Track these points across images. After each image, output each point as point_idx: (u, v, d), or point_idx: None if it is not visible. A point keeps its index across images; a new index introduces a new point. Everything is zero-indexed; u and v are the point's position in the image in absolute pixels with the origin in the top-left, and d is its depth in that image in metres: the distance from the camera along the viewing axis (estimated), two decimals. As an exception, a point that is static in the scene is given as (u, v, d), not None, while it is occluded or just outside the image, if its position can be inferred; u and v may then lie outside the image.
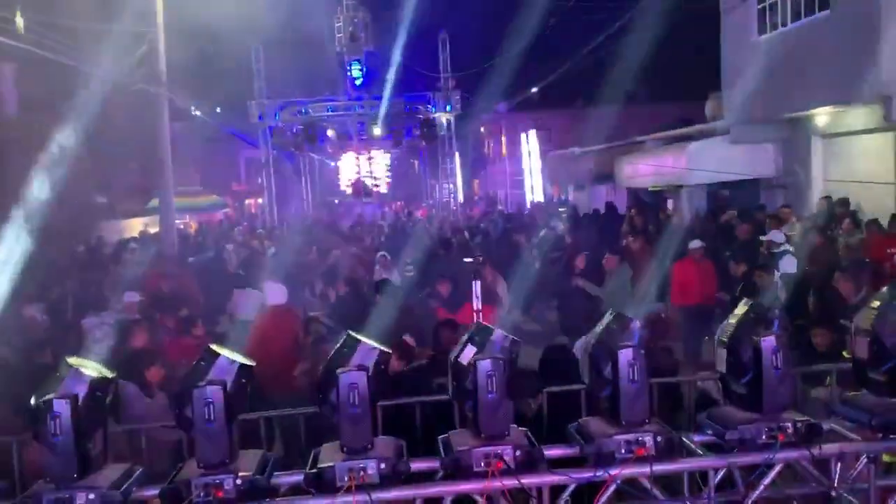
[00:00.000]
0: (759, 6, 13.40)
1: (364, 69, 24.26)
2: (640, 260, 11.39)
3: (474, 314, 7.62)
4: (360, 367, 3.14)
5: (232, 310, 10.07)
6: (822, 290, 7.06)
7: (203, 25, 18.66)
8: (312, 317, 8.23)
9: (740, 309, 3.41)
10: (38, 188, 10.26)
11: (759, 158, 14.54)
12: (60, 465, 2.96)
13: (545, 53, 24.19)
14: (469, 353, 3.25)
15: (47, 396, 2.96)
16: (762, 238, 10.28)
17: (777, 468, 3.31)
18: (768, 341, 3.23)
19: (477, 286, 7.69)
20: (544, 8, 21.27)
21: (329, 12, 23.07)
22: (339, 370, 3.13)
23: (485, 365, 3.15)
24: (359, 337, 3.33)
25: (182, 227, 21.15)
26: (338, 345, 3.34)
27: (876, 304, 3.28)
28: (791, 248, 9.63)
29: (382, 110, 24.04)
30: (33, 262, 10.32)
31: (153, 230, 19.58)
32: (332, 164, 31.23)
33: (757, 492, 3.30)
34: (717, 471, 3.33)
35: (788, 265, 9.25)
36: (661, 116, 23.25)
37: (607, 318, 3.41)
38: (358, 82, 24.08)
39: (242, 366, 3.26)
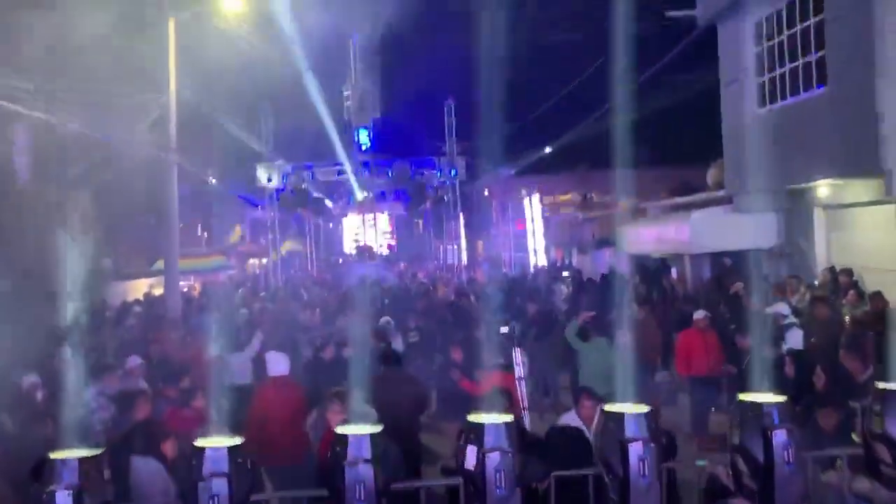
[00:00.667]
0: (758, 80, 13.67)
1: (371, 135, 24.73)
2: (645, 329, 11.38)
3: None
4: (366, 461, 3.10)
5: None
6: (830, 367, 7.00)
7: (213, 91, 19.13)
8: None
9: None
10: (47, 253, 10.31)
11: (761, 228, 14.59)
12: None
13: (550, 118, 24.70)
14: (472, 454, 3.20)
15: (49, 488, 2.93)
16: (767, 310, 10.25)
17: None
18: (780, 435, 3.20)
19: (517, 354, 7.53)
20: (550, 74, 21.80)
21: (339, 79, 23.63)
22: (345, 463, 3.10)
23: (494, 458, 3.12)
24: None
25: (186, 289, 21.16)
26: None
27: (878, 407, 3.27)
28: (797, 321, 9.59)
29: (388, 175, 24.38)
30: (35, 329, 10.32)
31: (157, 291, 19.59)
32: (330, 225, 31.46)
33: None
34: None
35: (795, 339, 9.21)
36: (664, 180, 23.51)
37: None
38: (364, 147, 24.52)
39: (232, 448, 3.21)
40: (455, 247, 34.38)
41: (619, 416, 3.35)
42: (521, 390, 6.95)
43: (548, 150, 25.35)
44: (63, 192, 11.51)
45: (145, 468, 5.46)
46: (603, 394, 5.59)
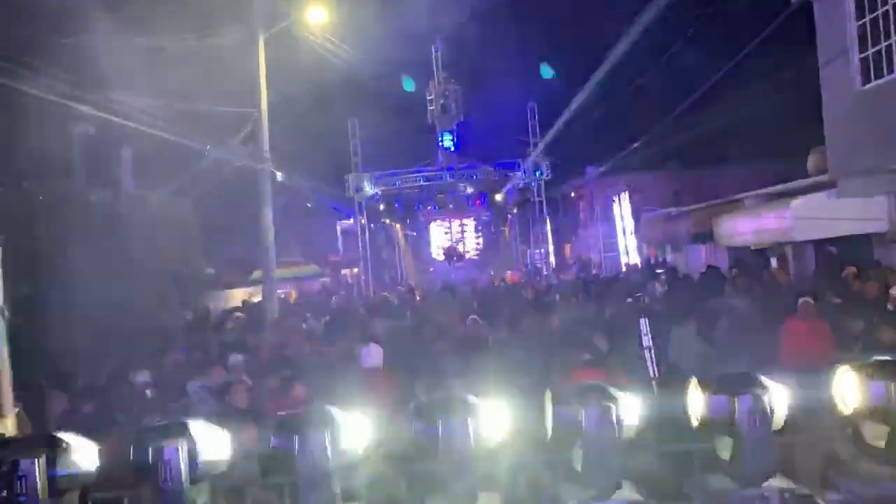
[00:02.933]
0: (861, 56, 12.95)
1: (455, 139, 24.85)
2: (746, 321, 10.88)
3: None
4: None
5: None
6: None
7: (303, 104, 19.71)
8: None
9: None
10: (154, 259, 10.85)
11: (870, 212, 13.78)
12: (169, 512, 2.99)
13: (637, 115, 24.14)
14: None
15: (159, 443, 3.02)
16: (892, 292, 9.60)
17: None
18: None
19: (644, 324, 7.27)
20: (635, 68, 21.32)
21: (422, 85, 23.88)
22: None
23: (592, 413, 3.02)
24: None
25: (283, 296, 21.80)
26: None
27: None
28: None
29: (473, 178, 24.40)
30: (145, 330, 10.85)
31: (256, 299, 20.26)
32: (414, 233, 31.72)
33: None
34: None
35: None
36: (760, 175, 22.56)
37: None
38: (449, 147, 24.60)
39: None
40: (542, 251, 34.05)
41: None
42: (651, 358, 6.73)
43: (636, 146, 24.74)
44: (166, 200, 12.07)
45: None
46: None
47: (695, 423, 3.13)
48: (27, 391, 7.43)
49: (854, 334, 8.99)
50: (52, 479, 2.95)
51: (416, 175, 25.31)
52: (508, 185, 25.40)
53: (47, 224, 9.31)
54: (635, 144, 21.76)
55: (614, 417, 3.03)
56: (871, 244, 14.46)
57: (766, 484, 2.99)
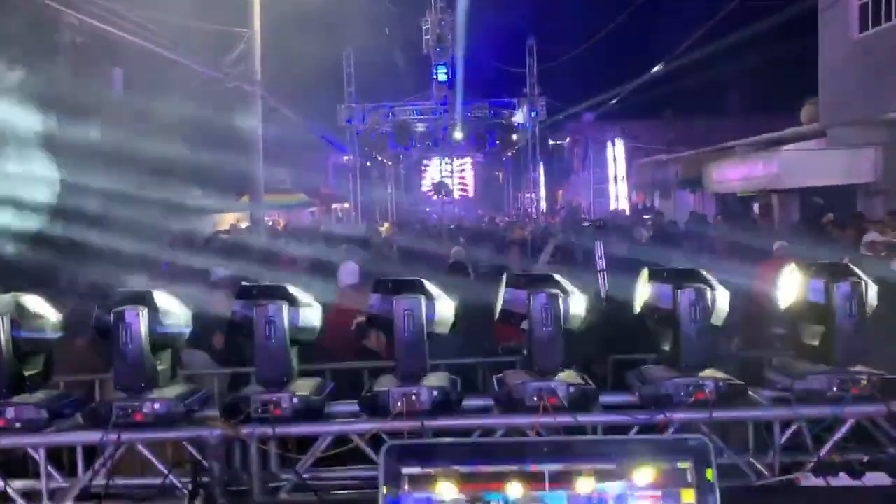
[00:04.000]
0: (860, 2, 12.82)
1: (450, 72, 24.53)
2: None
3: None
4: (417, 294, 3.17)
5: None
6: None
7: (296, 29, 19.37)
8: None
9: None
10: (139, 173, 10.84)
11: (858, 163, 13.84)
12: (128, 372, 3.11)
13: (633, 61, 23.87)
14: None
15: (119, 308, 3.12)
16: (864, 238, 9.70)
17: (848, 424, 3.13)
18: (843, 287, 3.07)
19: (599, 247, 7.52)
20: (633, 15, 21.03)
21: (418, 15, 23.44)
22: (395, 297, 3.18)
23: (540, 298, 3.13)
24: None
25: (270, 222, 21.85)
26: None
27: None
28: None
29: (468, 115, 24.17)
30: (134, 240, 10.92)
31: (244, 224, 20.30)
32: (405, 170, 31.51)
33: (826, 449, 3.12)
34: (784, 426, 3.18)
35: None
36: (753, 126, 22.50)
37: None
38: (444, 81, 24.26)
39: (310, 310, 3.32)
40: (533, 195, 34.06)
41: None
42: (604, 279, 6.98)
43: (630, 92, 24.53)
44: (150, 108, 12.00)
45: (189, 359, 5.76)
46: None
47: (637, 309, 3.26)
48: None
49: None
50: (151, 332, 3.12)
51: (409, 108, 25.06)
52: (502, 124, 25.18)
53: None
54: (630, 87, 21.57)
55: (560, 305, 3.15)
56: (855, 196, 14.57)
57: (701, 374, 3.13)
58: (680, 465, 2.02)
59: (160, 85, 15.98)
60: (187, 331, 3.43)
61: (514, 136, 25.29)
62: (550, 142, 30.60)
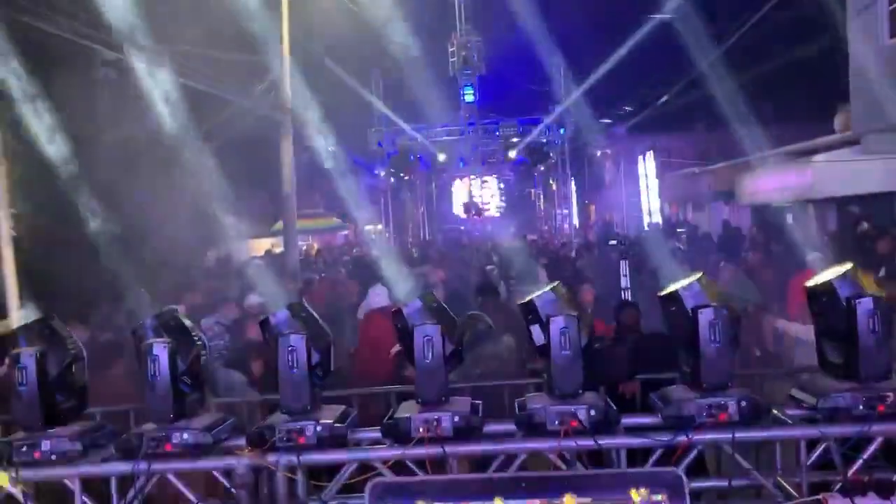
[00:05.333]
0: (891, 7, 12.62)
1: (476, 94, 24.68)
2: (759, 275, 10.86)
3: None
4: (438, 322, 3.21)
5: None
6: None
7: (325, 55, 19.70)
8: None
9: (836, 269, 3.21)
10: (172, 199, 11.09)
11: (893, 170, 13.54)
12: (158, 403, 3.20)
13: (663, 73, 23.75)
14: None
15: (147, 340, 3.22)
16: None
17: (876, 442, 3.08)
18: (865, 303, 3.04)
19: (624, 266, 7.51)
20: (661, 28, 20.95)
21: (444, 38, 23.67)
22: (415, 325, 3.22)
23: (558, 322, 3.15)
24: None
25: (304, 247, 22.12)
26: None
27: None
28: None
29: (496, 135, 24.27)
30: (164, 268, 11.15)
31: (278, 250, 20.57)
32: (436, 190, 31.64)
33: (853, 468, 3.07)
34: (812, 445, 3.14)
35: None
36: (785, 136, 22.17)
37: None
38: (471, 101, 24.41)
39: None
40: (565, 210, 33.91)
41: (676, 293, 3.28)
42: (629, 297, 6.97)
43: (661, 105, 24.38)
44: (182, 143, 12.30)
45: (226, 378, 5.86)
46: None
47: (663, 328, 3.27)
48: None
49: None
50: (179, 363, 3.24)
51: (438, 130, 25.25)
52: (532, 142, 25.20)
53: (69, 159, 9.56)
54: (661, 100, 21.43)
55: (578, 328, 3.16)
56: (893, 203, 14.24)
57: (724, 394, 3.11)
58: (655, 497, 2.05)
59: (195, 115, 16.41)
60: (216, 359, 3.53)
61: (544, 153, 25.29)
62: (581, 157, 30.48)
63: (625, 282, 7.16)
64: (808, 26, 18.86)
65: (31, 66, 9.29)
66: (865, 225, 11.56)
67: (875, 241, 10.58)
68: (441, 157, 25.48)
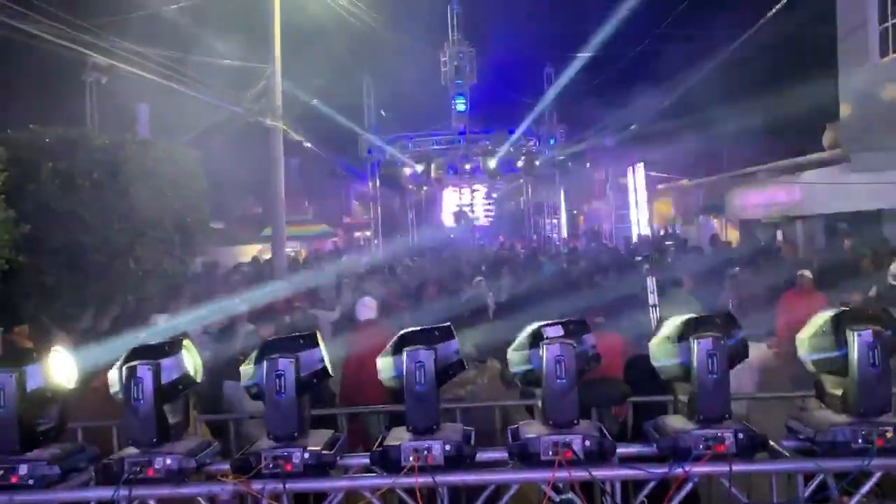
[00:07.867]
0: (881, 27, 12.72)
1: (468, 103, 24.69)
2: (745, 290, 10.86)
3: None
4: (428, 347, 3.13)
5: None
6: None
7: (316, 62, 19.63)
8: None
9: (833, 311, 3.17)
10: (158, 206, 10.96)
11: (883, 188, 13.62)
12: (141, 428, 3.10)
13: (654, 86, 23.83)
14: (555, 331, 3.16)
15: (132, 363, 3.12)
16: (892, 269, 9.48)
17: (875, 477, 3.03)
18: (865, 335, 2.99)
19: (651, 282, 7.39)
20: (652, 41, 21.05)
21: (436, 47, 23.66)
22: (406, 348, 3.15)
23: (553, 349, 3.08)
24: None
25: (292, 253, 21.99)
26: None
27: None
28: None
29: (486, 144, 24.28)
30: (148, 276, 11.01)
31: (266, 255, 20.45)
32: (426, 198, 31.64)
33: (853, 502, 3.02)
34: (808, 478, 3.09)
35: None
36: (774, 150, 22.31)
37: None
38: (462, 111, 24.42)
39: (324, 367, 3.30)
40: (555, 221, 33.96)
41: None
42: (655, 316, 6.85)
43: (651, 118, 24.44)
44: (172, 147, 12.17)
45: (235, 392, 5.76)
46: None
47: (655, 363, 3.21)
48: (35, 327, 7.59)
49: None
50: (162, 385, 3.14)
51: (429, 139, 25.21)
52: (522, 153, 25.20)
53: (52, 167, 9.41)
54: (651, 112, 21.51)
55: (574, 355, 3.09)
56: (881, 221, 14.34)
57: (720, 425, 3.05)
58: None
59: (184, 120, 16.29)
60: (200, 380, 3.43)
61: (534, 163, 25.28)
62: (570, 167, 30.54)
63: (652, 299, 7.04)
64: (798, 44, 18.98)
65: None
66: (847, 241, 11.60)
67: (868, 260, 10.62)
68: (432, 166, 25.42)
